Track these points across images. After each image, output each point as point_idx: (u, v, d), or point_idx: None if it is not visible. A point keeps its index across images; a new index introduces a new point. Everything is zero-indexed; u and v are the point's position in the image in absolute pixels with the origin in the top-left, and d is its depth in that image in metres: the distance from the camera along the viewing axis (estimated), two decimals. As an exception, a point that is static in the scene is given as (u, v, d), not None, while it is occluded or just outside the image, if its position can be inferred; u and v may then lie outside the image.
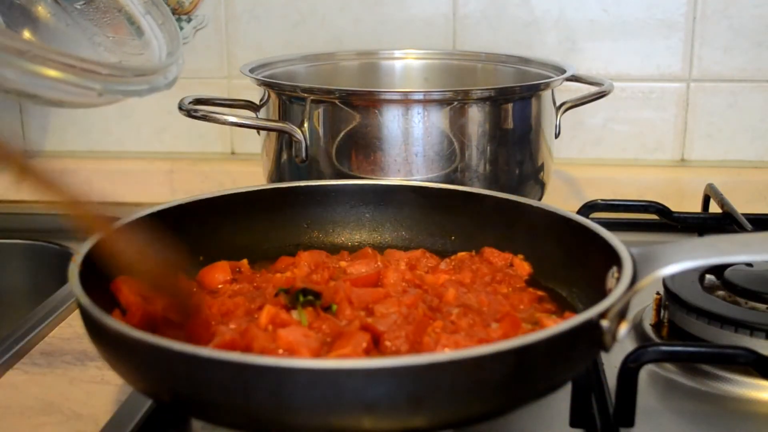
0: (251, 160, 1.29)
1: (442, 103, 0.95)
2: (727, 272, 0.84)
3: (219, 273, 0.75)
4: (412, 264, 0.78)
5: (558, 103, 1.07)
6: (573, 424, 0.67)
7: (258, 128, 1.05)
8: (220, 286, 0.74)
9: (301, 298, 0.66)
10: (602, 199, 1.05)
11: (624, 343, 0.68)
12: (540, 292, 0.74)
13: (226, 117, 0.97)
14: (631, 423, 0.66)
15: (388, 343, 0.61)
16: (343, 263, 0.78)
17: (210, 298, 0.69)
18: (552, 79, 1.03)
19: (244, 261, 0.78)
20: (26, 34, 0.84)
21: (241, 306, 0.67)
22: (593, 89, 1.07)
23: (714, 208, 1.09)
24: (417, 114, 0.94)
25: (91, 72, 0.63)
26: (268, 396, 0.50)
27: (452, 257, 0.79)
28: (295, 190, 0.85)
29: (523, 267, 0.77)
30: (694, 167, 1.31)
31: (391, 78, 1.24)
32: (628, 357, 0.67)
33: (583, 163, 1.32)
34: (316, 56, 1.21)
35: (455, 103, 0.95)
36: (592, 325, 0.56)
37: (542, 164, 1.05)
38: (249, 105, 1.08)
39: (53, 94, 0.62)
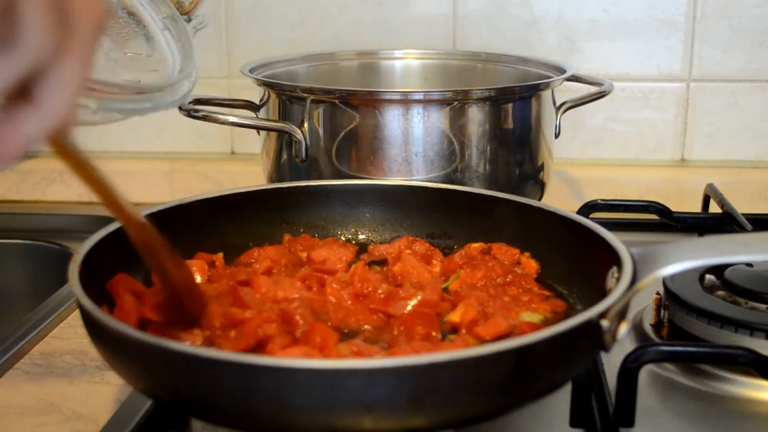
0: (251, 160, 1.29)
1: (442, 103, 0.95)
2: (727, 272, 0.84)
3: (192, 269, 0.75)
4: (427, 255, 0.79)
5: (558, 103, 1.07)
6: (573, 424, 0.67)
7: (258, 128, 1.05)
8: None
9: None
10: (602, 199, 1.05)
11: (624, 343, 0.68)
12: (547, 292, 0.74)
13: (226, 117, 0.97)
14: (631, 423, 0.66)
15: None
16: (304, 254, 0.80)
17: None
18: (552, 79, 1.03)
19: (220, 255, 0.78)
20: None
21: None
22: (593, 89, 1.07)
23: (714, 208, 1.09)
24: (417, 114, 0.94)
25: (86, 89, 0.62)
26: (268, 396, 0.50)
27: (464, 249, 0.80)
28: (295, 190, 0.85)
29: (530, 265, 0.77)
30: (694, 167, 1.31)
31: (391, 78, 1.24)
32: (628, 357, 0.66)
33: (583, 163, 1.32)
34: (316, 56, 1.21)
35: (455, 103, 0.95)
36: (592, 325, 0.56)
37: (542, 164, 1.05)
38: (249, 105, 1.08)
39: None
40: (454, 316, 0.68)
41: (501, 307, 0.69)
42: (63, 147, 0.50)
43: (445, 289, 0.73)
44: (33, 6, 0.41)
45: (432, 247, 0.81)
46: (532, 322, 0.68)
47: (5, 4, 0.41)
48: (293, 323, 0.63)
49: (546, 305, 0.71)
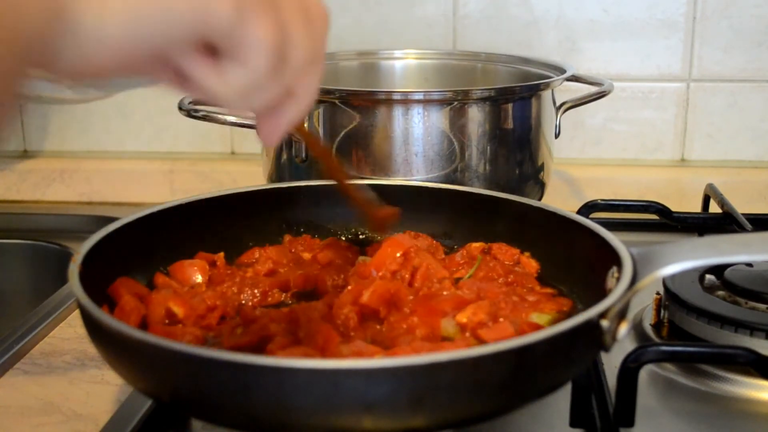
0: (251, 160, 1.29)
1: (442, 103, 0.95)
2: (727, 272, 0.84)
3: (193, 269, 0.75)
4: (430, 251, 0.79)
5: (558, 103, 1.07)
6: (573, 424, 0.67)
7: (258, 128, 1.05)
8: (198, 282, 0.74)
9: None
10: (602, 199, 1.05)
11: (624, 343, 0.68)
12: (550, 290, 0.74)
13: (226, 117, 0.97)
14: (631, 423, 0.66)
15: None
16: (306, 255, 0.80)
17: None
18: (552, 79, 1.03)
19: (221, 254, 0.78)
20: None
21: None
22: (593, 89, 1.07)
23: (714, 208, 1.09)
24: (417, 114, 0.94)
25: None
26: (268, 396, 0.50)
27: (465, 249, 0.80)
28: (295, 190, 0.85)
29: (530, 264, 0.77)
30: (694, 167, 1.31)
31: (391, 78, 1.24)
32: (628, 357, 0.66)
33: (583, 163, 1.32)
34: (316, 56, 1.21)
35: (455, 103, 0.95)
36: (592, 325, 0.56)
37: (542, 164, 1.05)
38: (249, 105, 1.08)
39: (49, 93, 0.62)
40: (462, 317, 0.67)
41: (512, 308, 0.69)
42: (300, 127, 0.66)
43: (458, 280, 0.74)
44: (301, 33, 0.51)
45: (434, 242, 0.81)
46: (540, 324, 0.67)
47: (283, 37, 0.49)
48: (299, 324, 0.63)
49: (553, 304, 0.71)
